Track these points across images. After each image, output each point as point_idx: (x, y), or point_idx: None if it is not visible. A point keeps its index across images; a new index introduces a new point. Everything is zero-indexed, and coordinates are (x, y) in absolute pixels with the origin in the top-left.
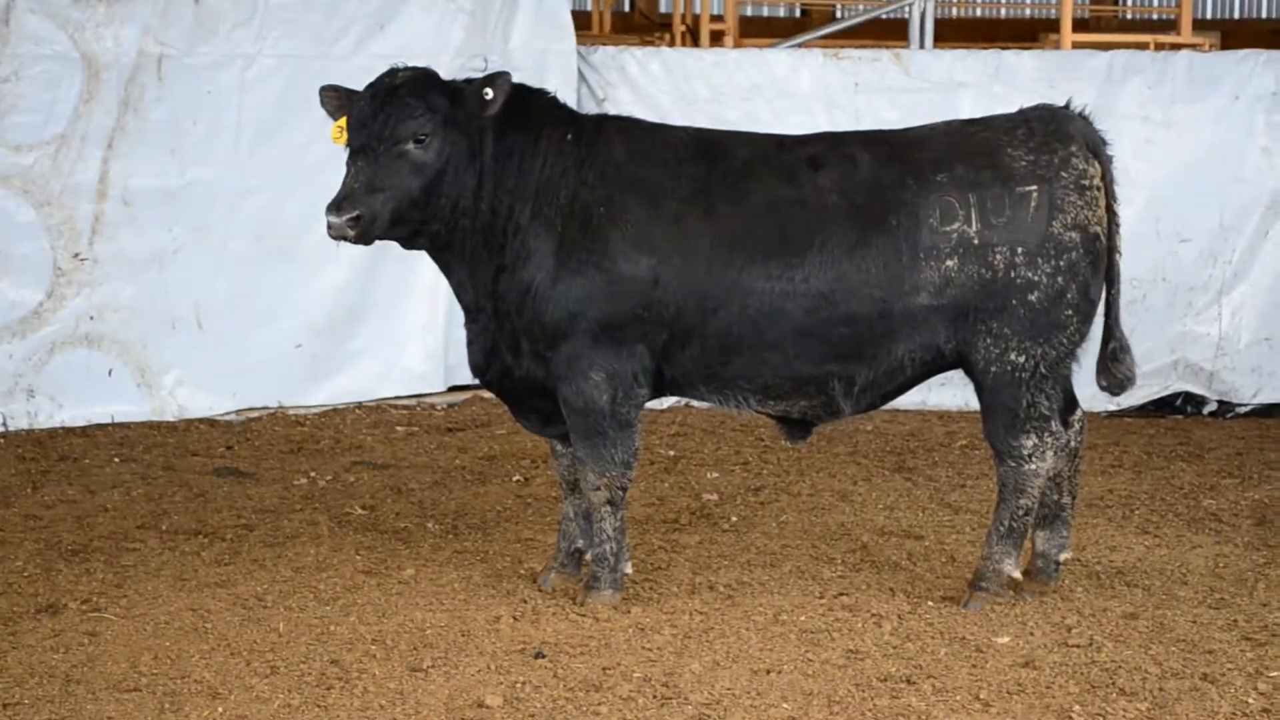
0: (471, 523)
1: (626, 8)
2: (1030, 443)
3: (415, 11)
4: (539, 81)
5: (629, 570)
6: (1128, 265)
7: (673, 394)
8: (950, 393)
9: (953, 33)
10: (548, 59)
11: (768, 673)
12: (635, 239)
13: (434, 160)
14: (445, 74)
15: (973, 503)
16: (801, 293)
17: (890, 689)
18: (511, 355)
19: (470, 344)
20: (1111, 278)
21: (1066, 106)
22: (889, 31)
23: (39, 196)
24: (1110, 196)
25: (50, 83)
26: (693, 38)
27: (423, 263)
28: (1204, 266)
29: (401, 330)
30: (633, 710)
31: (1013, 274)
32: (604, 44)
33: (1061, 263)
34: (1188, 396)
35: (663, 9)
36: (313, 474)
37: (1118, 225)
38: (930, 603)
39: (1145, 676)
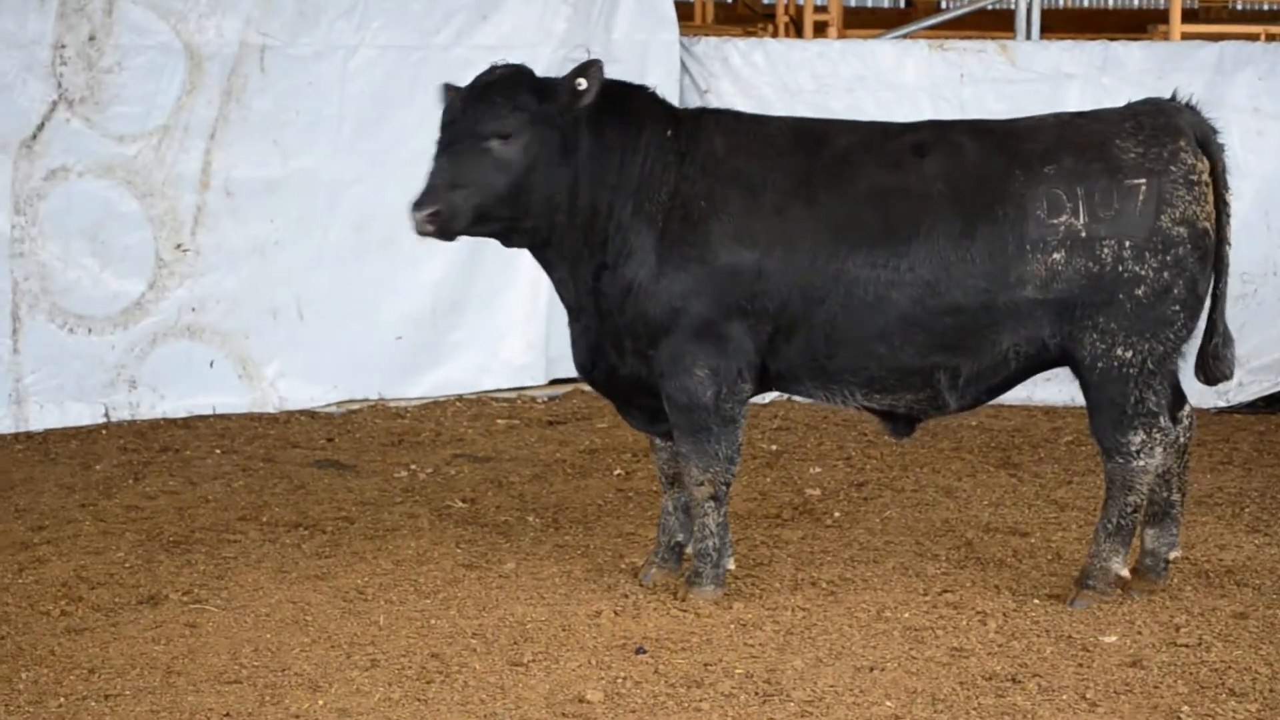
0: (572, 516)
1: None
2: (1138, 439)
3: (517, 2)
4: (641, 73)
5: (731, 566)
6: (1238, 259)
7: (778, 389)
8: (1056, 388)
9: (1060, 23)
10: (650, 50)
11: (871, 670)
12: (737, 232)
13: (520, 157)
14: (546, 65)
15: (1079, 499)
16: (908, 282)
17: (995, 688)
18: (616, 354)
19: (575, 343)
20: (1220, 270)
21: (1174, 99)
22: (995, 22)
23: (142, 187)
24: (1222, 187)
25: (153, 73)
26: (796, 28)
27: (523, 255)
28: None
29: (502, 322)
30: (734, 707)
31: (1120, 268)
32: (707, 34)
33: (1169, 257)
34: None
35: (766, 0)
36: (413, 466)
37: (1229, 217)
38: (1036, 600)
39: (1255, 677)
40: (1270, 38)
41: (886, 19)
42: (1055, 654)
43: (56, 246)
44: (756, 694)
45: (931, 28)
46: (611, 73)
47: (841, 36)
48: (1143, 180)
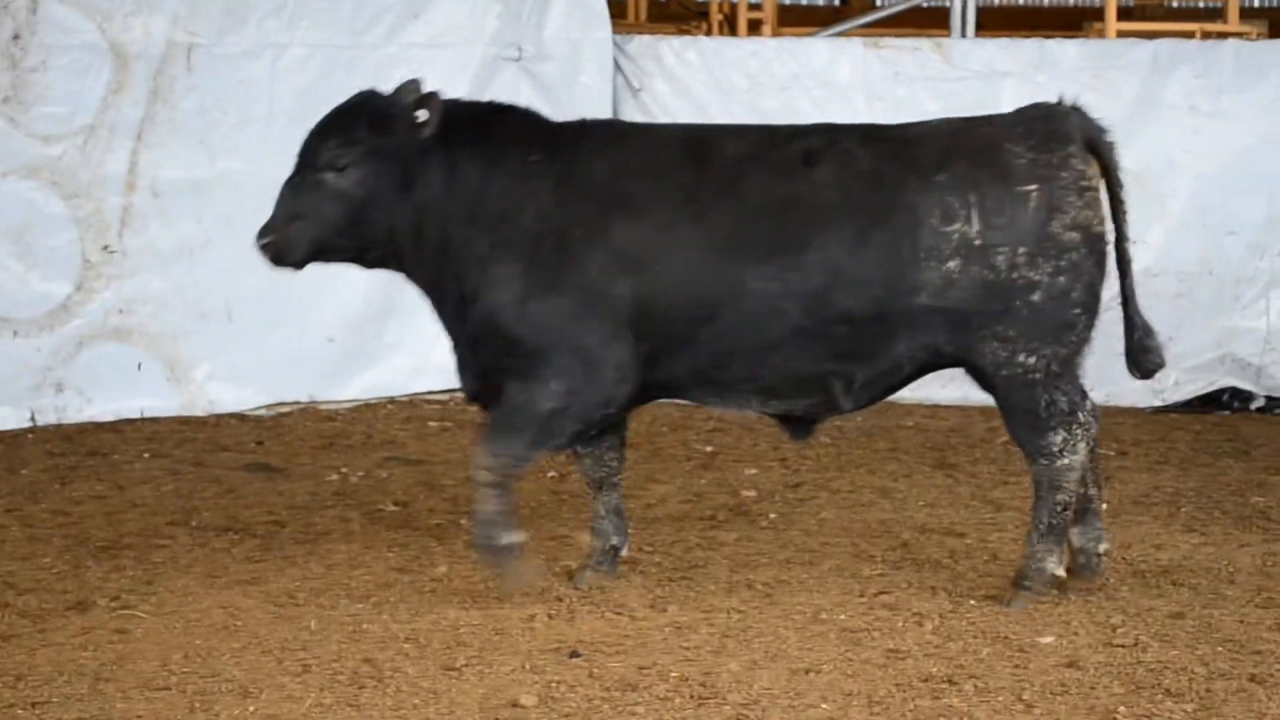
0: None
1: None
2: (1059, 438)
3: (448, 0)
4: (574, 72)
5: (513, 538)
6: (1173, 258)
7: (664, 397)
8: None
9: (995, 21)
10: (583, 48)
11: (807, 672)
12: (615, 256)
13: (354, 189)
14: (479, 62)
15: (1015, 500)
16: (800, 293)
17: (932, 689)
18: (502, 380)
19: (459, 369)
20: (1125, 267)
21: (1060, 103)
22: (930, 20)
23: (67, 188)
24: (1116, 185)
25: (78, 73)
26: (730, 27)
27: None
28: (1251, 259)
29: (435, 325)
30: (670, 710)
31: (1015, 275)
32: (640, 33)
33: (1064, 262)
34: (1235, 392)
35: None
36: (344, 470)
37: (1126, 214)
38: (972, 602)
39: (1192, 677)
40: (1206, 35)
41: (821, 17)
42: (992, 655)
43: None
44: (692, 697)
45: (866, 26)
46: (543, 71)
47: (776, 35)
48: (1034, 187)
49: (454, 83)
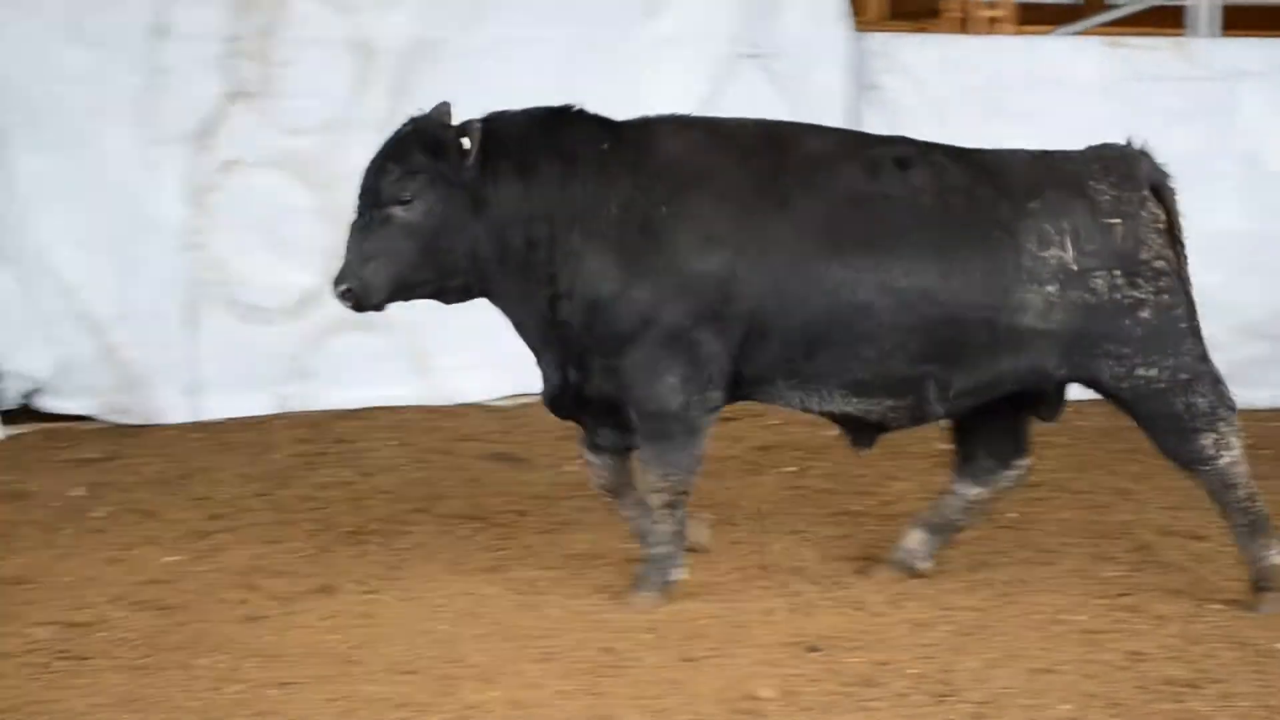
0: (745, 513)
1: None
2: (1209, 441)
3: None
4: (810, 68)
5: (683, 576)
6: None
7: (752, 396)
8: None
9: (1243, 20)
10: (820, 45)
11: (1046, 672)
12: (704, 235)
13: (423, 219)
14: (715, 60)
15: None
16: (897, 287)
17: (1174, 693)
18: (580, 373)
19: (546, 381)
20: (1190, 310)
21: (1129, 145)
22: (1171, 19)
23: (314, 180)
24: (1177, 229)
25: (325, 66)
26: (967, 25)
27: None
28: None
29: None
30: (907, 707)
31: (1118, 295)
32: (878, 30)
33: (1162, 283)
34: None
35: None
36: (581, 461)
37: (1186, 259)
38: (1215, 605)
39: None
40: None
41: (1058, 15)
42: (1235, 660)
43: (231, 239)
44: (930, 694)
45: (1105, 24)
46: (780, 68)
47: (1015, 33)
48: (1119, 220)
49: (690, 79)
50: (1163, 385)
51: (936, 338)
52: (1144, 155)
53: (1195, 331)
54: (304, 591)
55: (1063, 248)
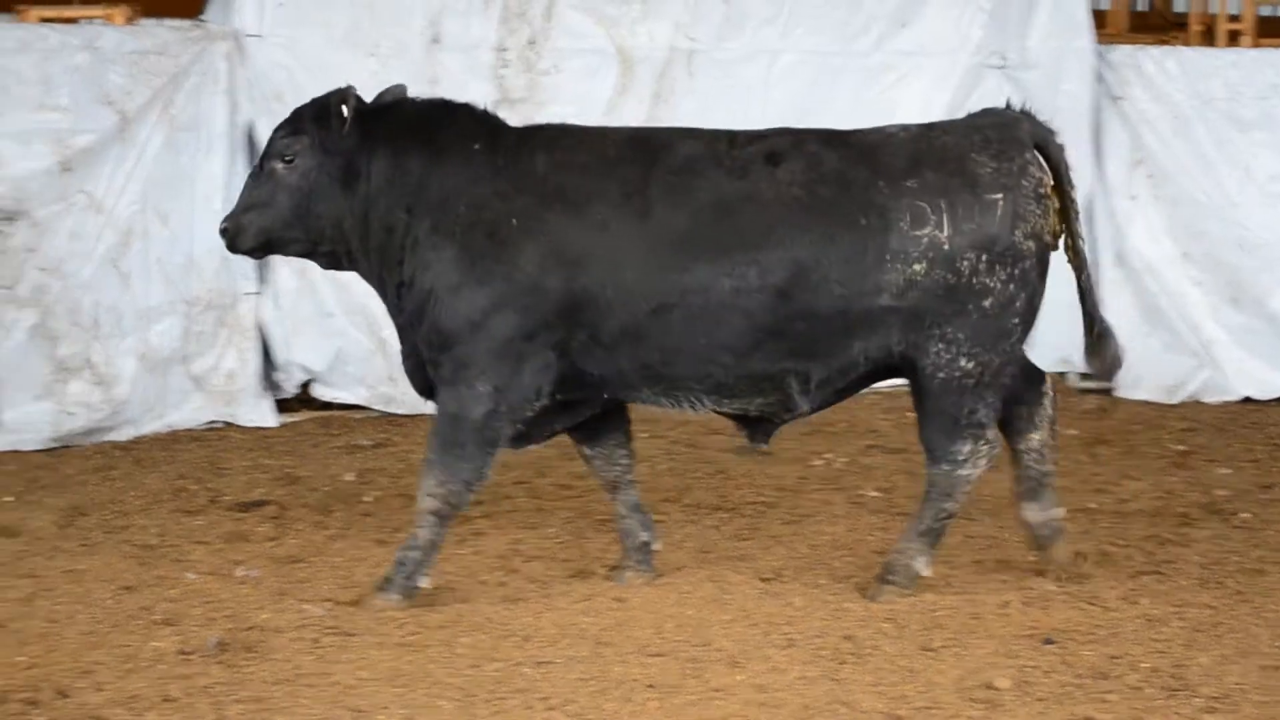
0: (983, 508)
1: (1143, 6)
2: (967, 448)
3: (935, 10)
4: (1056, 80)
5: (425, 584)
6: None
7: (612, 395)
8: None
9: None
10: (1065, 57)
11: (1278, 669)
12: (551, 249)
13: (299, 181)
14: (963, 71)
15: None
16: (757, 289)
17: None
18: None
19: (404, 361)
20: (1080, 265)
21: (1009, 107)
22: None
23: None
24: (1067, 184)
25: (587, 75)
26: (1209, 37)
27: None
28: None
29: None
30: (1141, 700)
31: (974, 280)
32: (1121, 42)
33: (1016, 270)
34: None
35: (1178, 8)
36: (829, 455)
37: (1078, 214)
38: None
39: None
40: None
41: None
42: None
43: None
44: (1163, 688)
45: None
46: (1027, 79)
47: (1255, 45)
48: (999, 195)
49: (938, 90)
50: (969, 383)
51: (792, 334)
52: (1025, 116)
53: (1023, 328)
54: (559, 575)
55: (939, 226)
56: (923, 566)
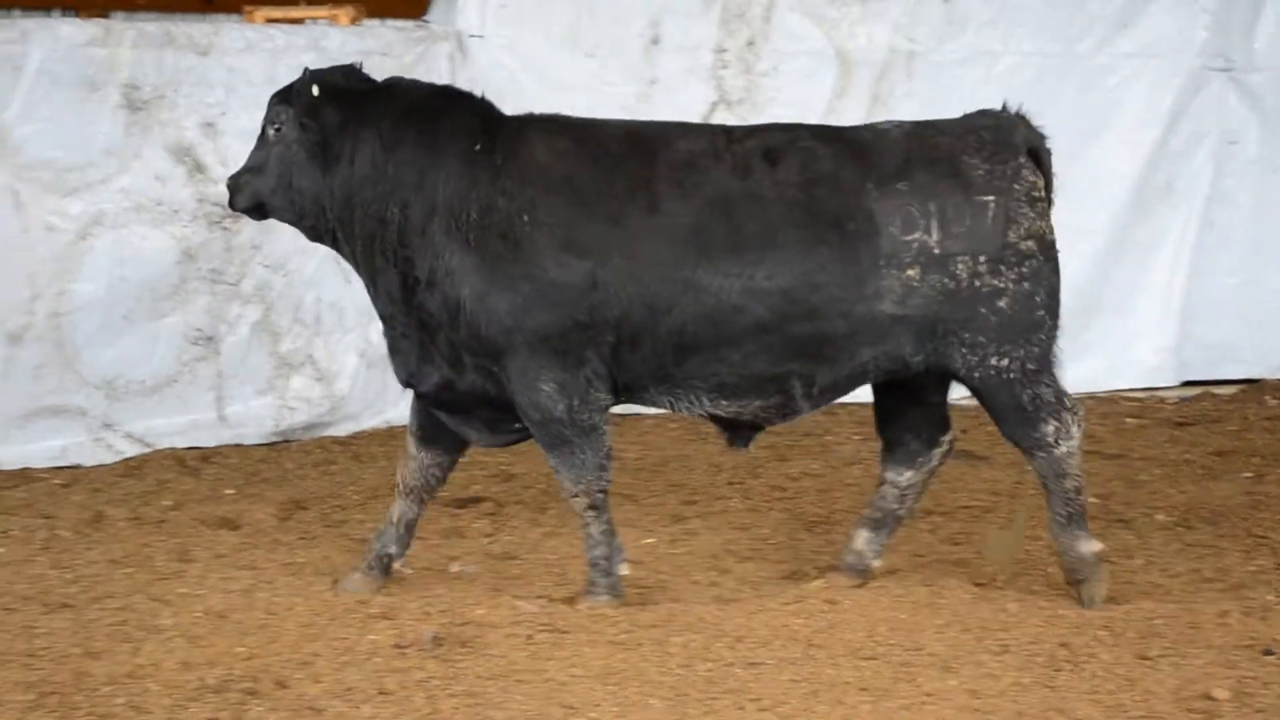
0: (1201, 516)
1: None
2: (1051, 429)
3: (1159, 11)
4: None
5: (625, 571)
6: None
7: (628, 400)
8: None
9: None
10: None
11: None
12: (565, 243)
13: (283, 150)
14: (1186, 73)
15: None
16: (764, 290)
17: None
18: (452, 368)
19: (391, 353)
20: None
21: (1005, 110)
22: None
23: None
24: (1048, 191)
25: (806, 77)
26: None
27: (1157, 260)
28: None
29: (1134, 324)
30: None
31: (976, 284)
32: None
33: (1025, 269)
34: None
35: None
36: None
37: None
38: None
39: None
40: None
41: None
42: None
43: None
44: None
45: None
46: (1252, 82)
47: None
48: (991, 198)
49: (1160, 93)
50: (1013, 375)
51: (797, 336)
52: (1020, 120)
53: (1051, 316)
54: (772, 576)
55: (928, 230)
56: (1089, 545)
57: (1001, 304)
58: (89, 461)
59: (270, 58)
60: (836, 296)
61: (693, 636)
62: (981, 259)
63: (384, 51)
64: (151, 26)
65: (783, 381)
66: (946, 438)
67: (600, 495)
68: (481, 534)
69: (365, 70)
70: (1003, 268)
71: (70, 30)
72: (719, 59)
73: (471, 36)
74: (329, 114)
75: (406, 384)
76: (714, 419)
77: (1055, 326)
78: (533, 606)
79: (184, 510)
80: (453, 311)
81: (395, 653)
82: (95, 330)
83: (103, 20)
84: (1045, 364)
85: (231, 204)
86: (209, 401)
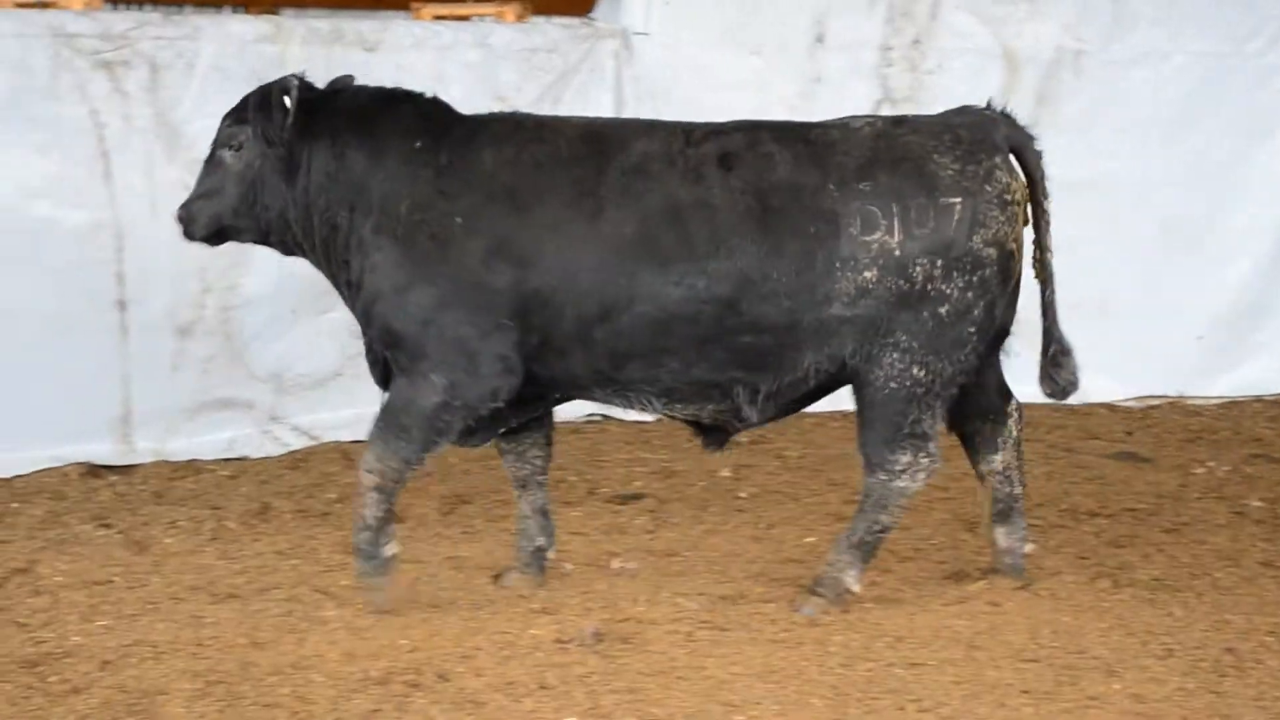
0: None
1: None
2: (906, 459)
3: None
4: None
5: (393, 551)
6: None
7: (566, 395)
8: None
9: None
10: None
11: None
12: (496, 248)
13: (243, 169)
14: None
15: None
16: (703, 298)
17: None
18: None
19: (366, 354)
20: (1046, 279)
21: (989, 108)
22: None
23: None
24: (1041, 195)
25: (971, 75)
26: None
27: None
28: None
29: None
30: None
31: (928, 287)
32: None
33: (975, 278)
34: None
35: None
36: (1210, 464)
37: (1048, 224)
38: None
39: None
40: None
41: None
42: None
43: None
44: None
45: None
46: None
47: None
48: (958, 199)
49: None
50: (918, 391)
51: (739, 346)
52: (1003, 117)
53: (979, 337)
54: (933, 577)
55: (889, 232)
56: (852, 581)
57: (942, 310)
58: (256, 453)
59: (437, 54)
60: (783, 307)
61: (853, 636)
62: (939, 262)
63: (550, 49)
64: (321, 23)
65: (726, 389)
66: (1013, 406)
67: (394, 485)
68: (643, 530)
69: (307, 79)
70: (955, 273)
71: (241, 27)
72: (884, 57)
73: (636, 34)
74: (292, 127)
75: (382, 386)
76: (684, 421)
77: (977, 350)
78: (693, 603)
79: (348, 503)
80: (370, 304)
81: (556, 648)
82: (263, 324)
83: (273, 17)
84: (945, 390)
85: (188, 234)
86: (373, 395)
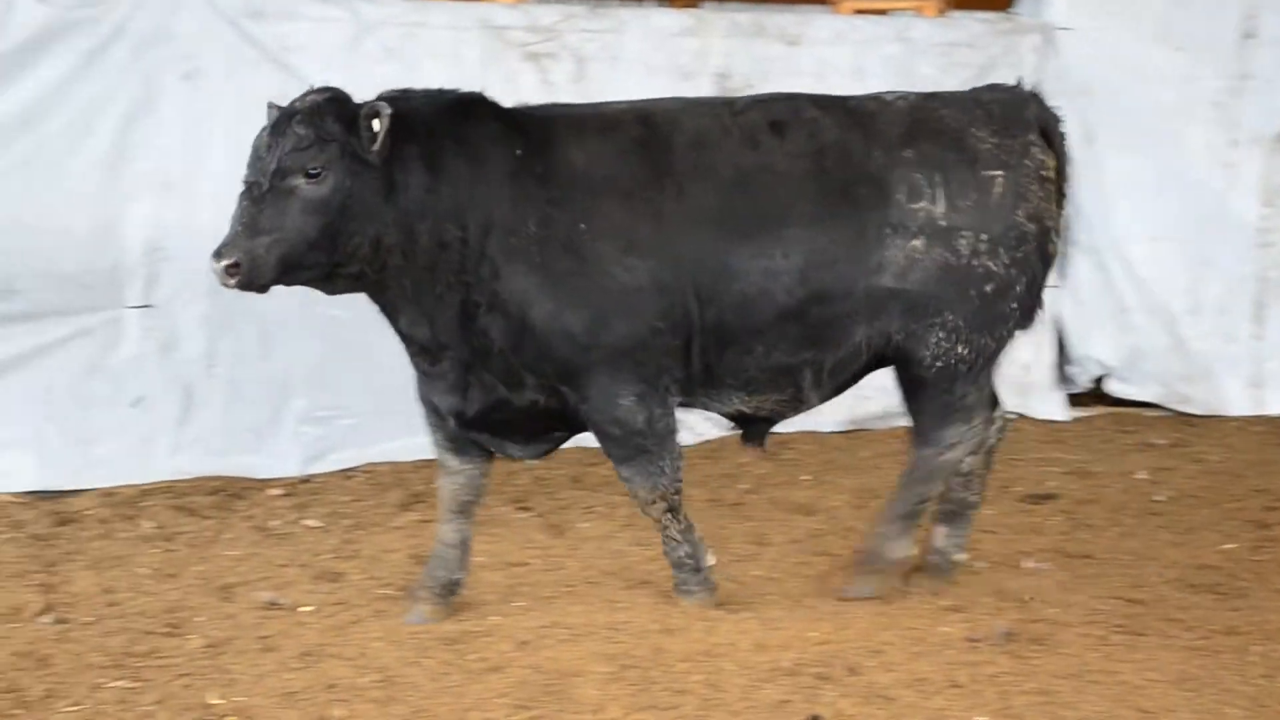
0: None
1: None
2: (954, 432)
3: None
4: None
5: (712, 561)
6: None
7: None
8: None
9: None
10: None
11: None
12: (626, 246)
13: (330, 195)
14: None
15: None
16: (783, 270)
17: None
18: (511, 388)
19: (433, 387)
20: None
21: (1019, 86)
22: None
23: None
24: (1063, 176)
25: None
26: None
27: None
28: None
29: None
30: None
31: (974, 262)
32: None
33: (1019, 254)
34: None
35: None
36: None
37: (1062, 208)
38: None
39: None
40: None
41: None
42: None
43: None
44: None
45: None
46: None
47: None
48: (1000, 172)
49: None
50: (963, 369)
51: (810, 320)
52: (1033, 97)
53: (1022, 312)
54: None
55: (933, 200)
56: (900, 551)
57: (988, 288)
58: None
59: (857, 49)
60: (841, 273)
61: (1274, 646)
62: (984, 236)
63: (969, 43)
64: (743, 17)
65: (796, 373)
66: (998, 414)
67: (676, 497)
68: (1056, 531)
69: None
70: (1001, 249)
71: (665, 20)
72: None
73: (1059, 29)
74: (385, 142)
75: (455, 418)
76: (733, 417)
77: (1018, 325)
78: (1107, 606)
79: (760, 494)
80: (519, 333)
81: (967, 646)
82: None
83: (695, 10)
84: (989, 364)
85: (248, 282)
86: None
